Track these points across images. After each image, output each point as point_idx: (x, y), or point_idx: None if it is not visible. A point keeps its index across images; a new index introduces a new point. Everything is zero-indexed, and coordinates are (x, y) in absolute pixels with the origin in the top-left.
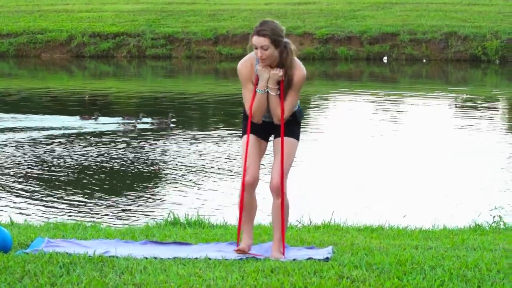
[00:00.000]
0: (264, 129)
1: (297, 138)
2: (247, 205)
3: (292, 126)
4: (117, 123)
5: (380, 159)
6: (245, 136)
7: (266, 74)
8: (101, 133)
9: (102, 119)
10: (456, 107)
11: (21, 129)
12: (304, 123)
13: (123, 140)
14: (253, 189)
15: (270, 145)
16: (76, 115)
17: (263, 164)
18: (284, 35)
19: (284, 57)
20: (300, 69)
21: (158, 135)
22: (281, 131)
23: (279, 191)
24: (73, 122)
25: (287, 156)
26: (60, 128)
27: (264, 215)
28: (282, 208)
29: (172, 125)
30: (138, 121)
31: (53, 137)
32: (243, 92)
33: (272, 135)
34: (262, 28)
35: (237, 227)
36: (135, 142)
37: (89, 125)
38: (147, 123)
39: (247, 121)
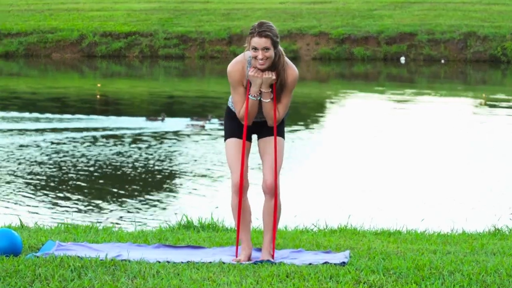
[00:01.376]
0: (248, 130)
1: (283, 136)
2: (243, 209)
3: (279, 125)
4: (185, 124)
5: (397, 162)
6: (230, 139)
7: (259, 79)
8: (135, 135)
9: (168, 120)
10: (477, 107)
11: (82, 130)
12: (319, 125)
13: (146, 141)
14: (245, 192)
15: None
16: (142, 116)
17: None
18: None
19: (277, 59)
20: (292, 69)
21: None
22: (274, 133)
23: (273, 192)
24: (139, 123)
25: (278, 155)
26: (122, 129)
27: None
28: (275, 209)
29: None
30: (207, 122)
31: (90, 138)
32: (233, 96)
33: (255, 135)
34: (263, 29)
35: (236, 236)
36: (157, 142)
37: (155, 126)
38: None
39: (231, 122)
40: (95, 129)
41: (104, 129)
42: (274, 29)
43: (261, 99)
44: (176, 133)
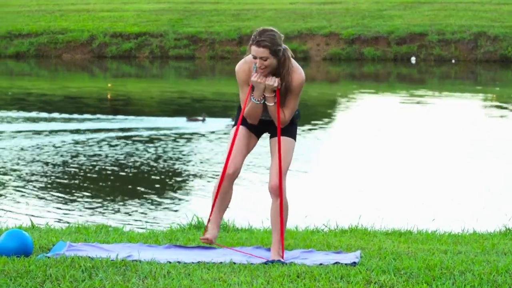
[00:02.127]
0: (258, 127)
1: (294, 138)
2: (222, 193)
3: (289, 126)
4: (226, 124)
5: (408, 162)
6: (239, 127)
7: (262, 85)
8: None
9: (209, 120)
10: (487, 107)
11: (127, 129)
12: (330, 126)
13: (163, 140)
14: (233, 179)
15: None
16: (183, 116)
17: (259, 166)
18: (283, 42)
19: (281, 65)
20: (298, 73)
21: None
22: (278, 137)
23: (278, 192)
24: (180, 124)
25: (285, 156)
26: (159, 129)
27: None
28: (281, 209)
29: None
30: (203, 117)
31: (107, 138)
32: (240, 95)
33: (265, 133)
34: (262, 39)
35: (209, 215)
36: (178, 142)
37: (196, 127)
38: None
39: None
40: (122, 130)
41: (126, 129)
42: (275, 38)
43: (266, 102)
44: (194, 134)
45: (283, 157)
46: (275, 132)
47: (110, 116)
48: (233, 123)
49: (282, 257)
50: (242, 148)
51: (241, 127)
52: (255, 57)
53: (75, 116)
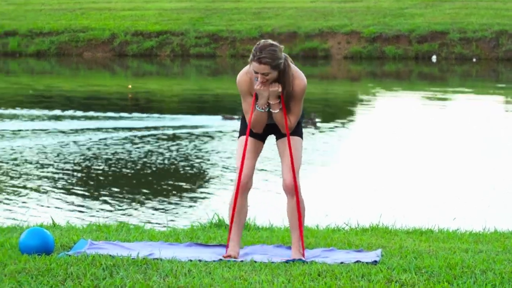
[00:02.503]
0: (264, 130)
1: (301, 136)
2: (238, 207)
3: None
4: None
5: (429, 160)
6: (242, 137)
7: (266, 92)
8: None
9: None
10: (509, 103)
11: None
12: (350, 124)
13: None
14: (247, 191)
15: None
16: (218, 114)
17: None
18: (282, 54)
19: (282, 74)
20: (300, 79)
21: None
22: (287, 138)
23: (293, 191)
24: (215, 122)
25: (295, 155)
26: (195, 127)
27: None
28: (298, 207)
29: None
30: (312, 120)
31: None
32: (243, 105)
33: (271, 135)
34: (263, 55)
35: (228, 233)
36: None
37: (232, 125)
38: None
39: (245, 123)
40: (146, 128)
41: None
42: (275, 53)
43: (271, 110)
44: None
45: (294, 156)
46: (280, 133)
47: (134, 115)
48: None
49: (303, 256)
50: (252, 159)
51: (244, 138)
52: (256, 72)
53: (96, 114)
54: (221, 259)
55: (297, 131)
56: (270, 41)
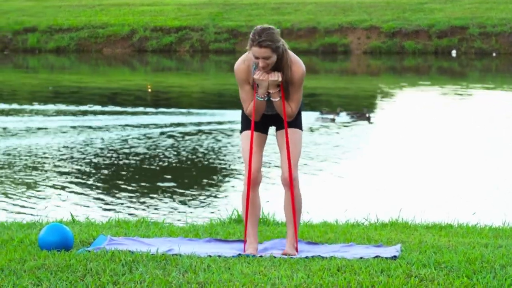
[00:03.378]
0: (263, 123)
1: (300, 128)
2: (251, 203)
3: (294, 117)
4: (315, 117)
5: (449, 155)
6: (246, 132)
7: (265, 82)
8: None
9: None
10: None
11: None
12: (371, 119)
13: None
14: (258, 185)
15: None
16: None
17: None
18: (280, 37)
19: (281, 59)
20: (298, 65)
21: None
22: (285, 129)
23: (290, 184)
24: (237, 117)
25: (294, 147)
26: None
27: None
28: (292, 200)
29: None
30: (337, 116)
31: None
32: (240, 93)
33: (271, 127)
34: (263, 39)
35: (244, 230)
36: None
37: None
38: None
39: (246, 117)
40: (173, 125)
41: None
42: (274, 35)
43: (271, 98)
44: None
45: (292, 149)
46: (281, 124)
47: (154, 110)
48: (322, 116)
49: (296, 250)
50: (259, 153)
51: (247, 132)
52: (257, 57)
53: (116, 109)
54: (240, 254)
55: (297, 123)
56: (266, 24)
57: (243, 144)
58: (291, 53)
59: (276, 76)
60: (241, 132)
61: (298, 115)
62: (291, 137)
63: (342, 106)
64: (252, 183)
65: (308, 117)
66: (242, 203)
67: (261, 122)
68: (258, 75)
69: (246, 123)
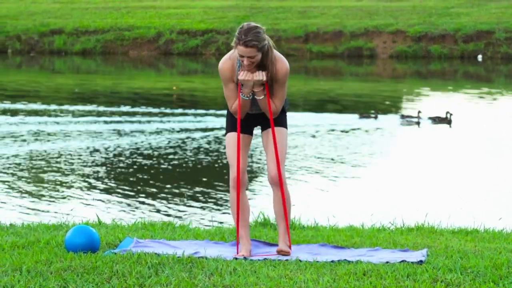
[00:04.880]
0: (248, 123)
1: (286, 127)
2: (241, 204)
3: (279, 116)
4: (399, 120)
5: (475, 160)
6: (230, 134)
7: (251, 82)
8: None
9: (381, 117)
10: None
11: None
12: (396, 123)
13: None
14: (244, 186)
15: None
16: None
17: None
18: (266, 36)
19: (265, 56)
20: (282, 63)
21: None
22: (271, 127)
23: (279, 182)
24: (352, 121)
25: (280, 146)
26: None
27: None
28: (283, 199)
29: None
30: (419, 119)
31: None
32: (224, 91)
33: (256, 127)
34: (249, 39)
35: (236, 233)
36: None
37: (368, 123)
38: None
39: (231, 118)
40: (204, 129)
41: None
42: (260, 34)
43: (255, 96)
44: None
45: (280, 148)
46: (266, 124)
47: (180, 113)
48: (414, 119)
49: (290, 248)
50: (243, 154)
51: (232, 134)
52: (242, 56)
53: (142, 111)
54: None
55: (282, 122)
56: (253, 23)
57: (228, 146)
58: (275, 51)
59: (261, 76)
60: (225, 134)
61: (283, 114)
62: (277, 136)
63: (380, 109)
64: (239, 184)
65: (388, 120)
66: (231, 207)
67: (245, 123)
68: (243, 75)
69: (231, 125)
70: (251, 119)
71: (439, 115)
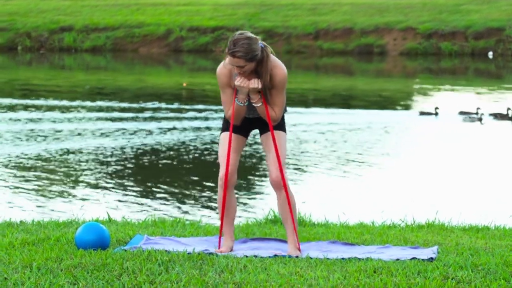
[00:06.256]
0: (245, 126)
1: (284, 130)
2: (227, 202)
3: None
4: (461, 118)
5: (485, 157)
6: (224, 133)
7: (245, 89)
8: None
9: (442, 114)
10: None
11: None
12: (407, 120)
13: None
14: (232, 186)
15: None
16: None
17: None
18: (259, 46)
19: (260, 64)
20: (279, 68)
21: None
22: (271, 133)
23: (281, 185)
24: (410, 118)
25: (280, 149)
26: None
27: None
28: (288, 200)
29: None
30: (479, 116)
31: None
32: (221, 97)
33: (253, 130)
34: (236, 50)
35: (220, 229)
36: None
37: (428, 120)
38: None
39: (227, 120)
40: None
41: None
42: (249, 46)
43: (253, 104)
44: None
45: (280, 151)
46: (266, 128)
47: (190, 109)
48: (475, 115)
49: (299, 249)
50: (235, 155)
51: (226, 133)
52: (232, 65)
53: (152, 107)
54: (211, 253)
55: (280, 126)
56: (246, 33)
57: (221, 145)
58: (273, 57)
59: (256, 83)
60: (221, 133)
61: (281, 118)
62: (276, 140)
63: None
64: (228, 184)
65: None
66: (218, 204)
67: (243, 125)
68: (239, 81)
69: (226, 125)
70: (249, 122)
71: (500, 111)
